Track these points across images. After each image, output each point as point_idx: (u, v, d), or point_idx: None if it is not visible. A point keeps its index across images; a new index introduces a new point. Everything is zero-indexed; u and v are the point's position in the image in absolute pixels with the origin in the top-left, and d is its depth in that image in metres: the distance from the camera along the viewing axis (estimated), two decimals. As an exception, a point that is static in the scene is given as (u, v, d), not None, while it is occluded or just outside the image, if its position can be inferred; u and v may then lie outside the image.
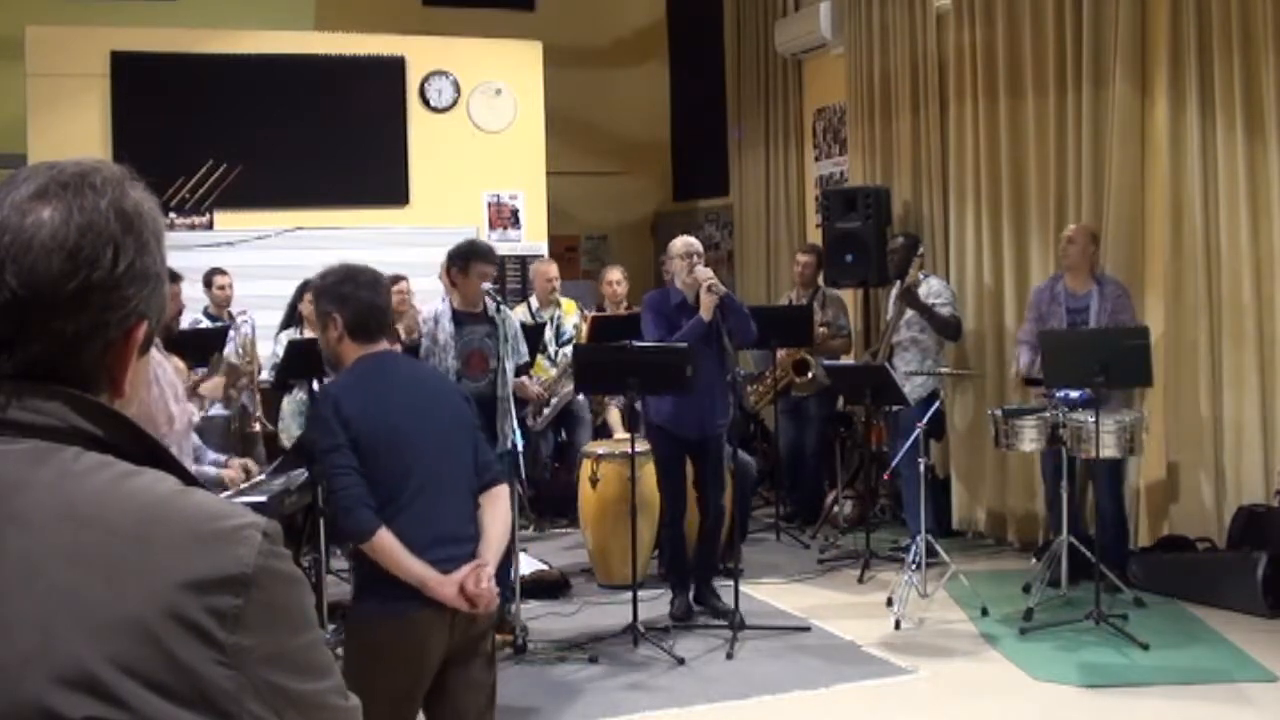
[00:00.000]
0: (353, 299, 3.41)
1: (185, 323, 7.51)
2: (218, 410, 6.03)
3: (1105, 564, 5.98)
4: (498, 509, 3.46)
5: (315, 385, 6.57)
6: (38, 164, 1.09)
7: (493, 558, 3.34)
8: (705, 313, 5.88)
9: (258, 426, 7.10)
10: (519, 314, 7.48)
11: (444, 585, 3.20)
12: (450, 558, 3.26)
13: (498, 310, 5.75)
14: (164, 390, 4.31)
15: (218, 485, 5.28)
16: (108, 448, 1.04)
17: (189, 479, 1.05)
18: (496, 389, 5.64)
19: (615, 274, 8.52)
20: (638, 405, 6.03)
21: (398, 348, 3.88)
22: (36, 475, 1.00)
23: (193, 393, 5.04)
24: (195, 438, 5.00)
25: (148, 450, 1.07)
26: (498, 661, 3.35)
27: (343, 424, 3.26)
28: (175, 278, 4.42)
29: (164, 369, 4.44)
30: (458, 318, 5.77)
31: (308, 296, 7.54)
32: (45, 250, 1.02)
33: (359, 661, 3.27)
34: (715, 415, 6.04)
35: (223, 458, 5.52)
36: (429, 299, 7.63)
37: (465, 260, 5.70)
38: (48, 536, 0.98)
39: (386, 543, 3.20)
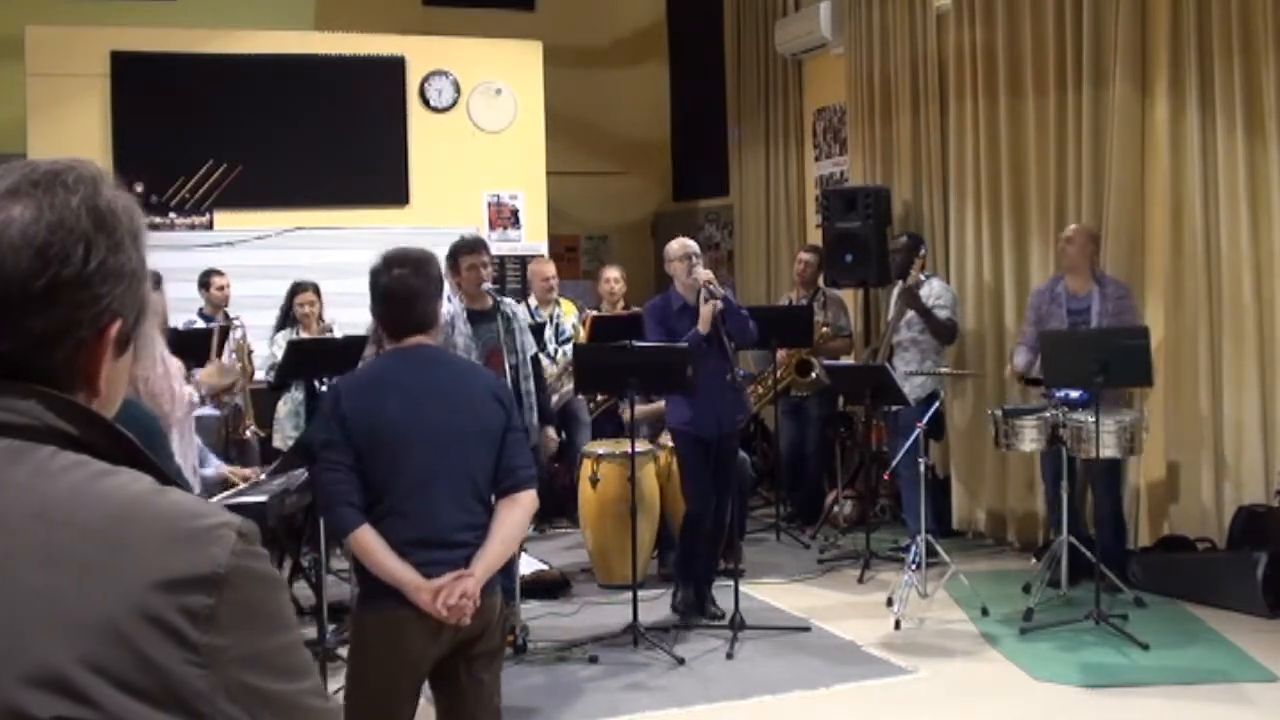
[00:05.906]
0: (376, 287, 3.36)
1: (181, 324, 7.47)
2: (209, 411, 6.01)
3: (1105, 564, 5.97)
4: (507, 516, 3.32)
5: (316, 385, 6.58)
6: (14, 163, 1.08)
7: (484, 567, 3.22)
8: (703, 325, 5.84)
9: (248, 434, 7.08)
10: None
11: (420, 591, 3.13)
12: (437, 561, 3.18)
13: (495, 305, 5.76)
14: (169, 369, 4.33)
15: (220, 485, 5.28)
16: (84, 447, 1.04)
17: (165, 479, 1.05)
18: (511, 385, 5.61)
19: (613, 272, 8.51)
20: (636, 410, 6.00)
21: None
22: (11, 474, 1.00)
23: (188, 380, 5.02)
24: (198, 440, 5.02)
25: (125, 450, 1.06)
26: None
27: (339, 420, 3.23)
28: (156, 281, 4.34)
29: (169, 361, 4.45)
30: (471, 317, 5.79)
31: (300, 298, 7.58)
32: (14, 247, 1.02)
33: (349, 655, 3.30)
34: (730, 413, 6.01)
35: (225, 467, 5.53)
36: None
37: (453, 260, 5.79)
38: (20, 536, 0.97)
39: (365, 541, 3.17)
